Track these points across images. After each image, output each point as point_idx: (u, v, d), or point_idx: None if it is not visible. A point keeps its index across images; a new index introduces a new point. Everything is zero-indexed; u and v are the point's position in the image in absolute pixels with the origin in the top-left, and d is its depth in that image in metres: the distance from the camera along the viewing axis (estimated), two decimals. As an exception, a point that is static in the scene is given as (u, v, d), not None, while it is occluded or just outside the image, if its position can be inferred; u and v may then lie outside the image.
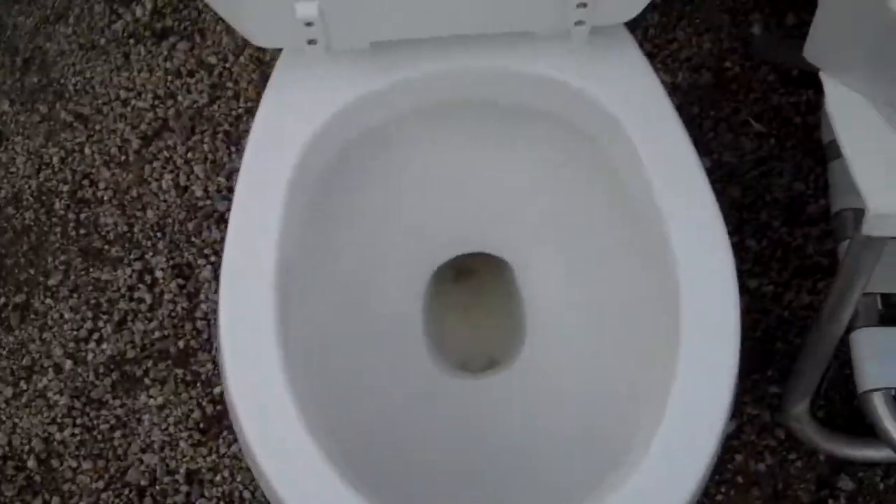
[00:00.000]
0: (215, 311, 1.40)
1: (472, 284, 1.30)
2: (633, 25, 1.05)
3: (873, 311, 1.14)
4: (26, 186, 1.51)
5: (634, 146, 0.99)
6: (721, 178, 1.44)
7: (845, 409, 1.31)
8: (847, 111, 0.97)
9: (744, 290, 1.36)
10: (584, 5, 0.97)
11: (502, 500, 1.07)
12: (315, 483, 0.87)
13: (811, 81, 1.41)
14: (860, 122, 0.97)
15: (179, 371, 1.38)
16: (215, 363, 1.37)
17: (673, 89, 1.49)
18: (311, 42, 0.99)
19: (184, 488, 1.30)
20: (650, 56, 1.47)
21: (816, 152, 1.45)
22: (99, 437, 1.34)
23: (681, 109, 1.46)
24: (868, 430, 1.29)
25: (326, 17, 0.97)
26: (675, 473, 0.87)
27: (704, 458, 0.88)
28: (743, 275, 1.38)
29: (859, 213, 0.95)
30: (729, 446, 1.30)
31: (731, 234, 1.39)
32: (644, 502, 0.86)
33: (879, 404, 1.10)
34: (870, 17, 0.90)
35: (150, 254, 1.46)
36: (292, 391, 0.90)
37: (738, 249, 1.40)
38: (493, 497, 1.08)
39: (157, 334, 1.40)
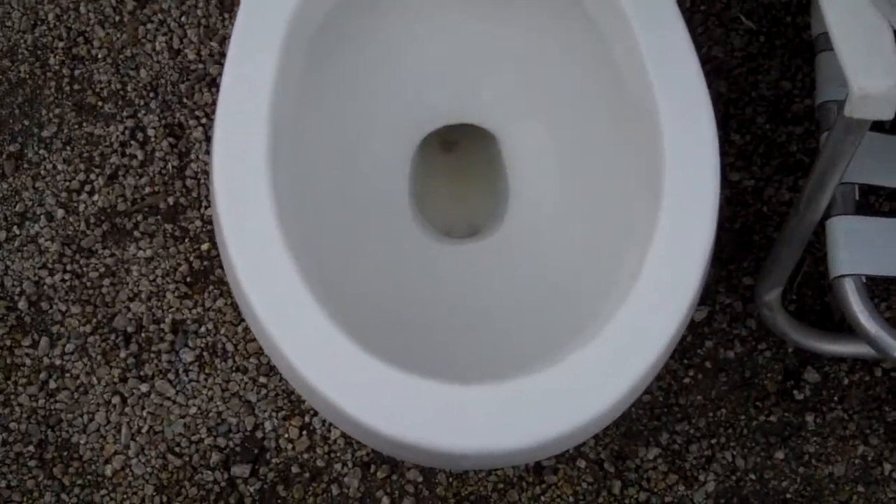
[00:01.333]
0: (206, 171, 1.43)
1: (459, 155, 1.32)
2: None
3: (850, 200, 1.16)
4: (21, 41, 1.51)
5: (631, 27, 1.00)
6: (709, 72, 1.45)
7: (816, 306, 1.34)
8: (837, -5, 0.99)
9: (725, 182, 1.40)
10: None
11: (479, 356, 1.10)
12: (304, 322, 0.89)
13: (804, -20, 1.44)
14: (849, 5, 0.97)
15: (168, 226, 1.40)
16: (204, 220, 1.40)
17: (668, -20, 1.50)
18: None
19: (168, 337, 1.34)
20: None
21: (805, 52, 1.47)
22: (88, 283, 1.37)
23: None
24: (836, 327, 1.33)
25: None
26: (645, 332, 0.89)
27: (675, 322, 0.89)
28: (725, 168, 1.41)
29: (842, 105, 0.96)
30: (700, 332, 1.33)
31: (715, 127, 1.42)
32: (614, 356, 0.88)
33: (850, 289, 1.11)
34: None
35: (143, 112, 1.47)
36: (284, 238, 0.92)
37: (722, 143, 1.42)
38: (470, 352, 1.10)
39: (147, 190, 1.42)
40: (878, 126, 1.01)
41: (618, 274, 0.98)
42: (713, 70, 1.46)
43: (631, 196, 1.05)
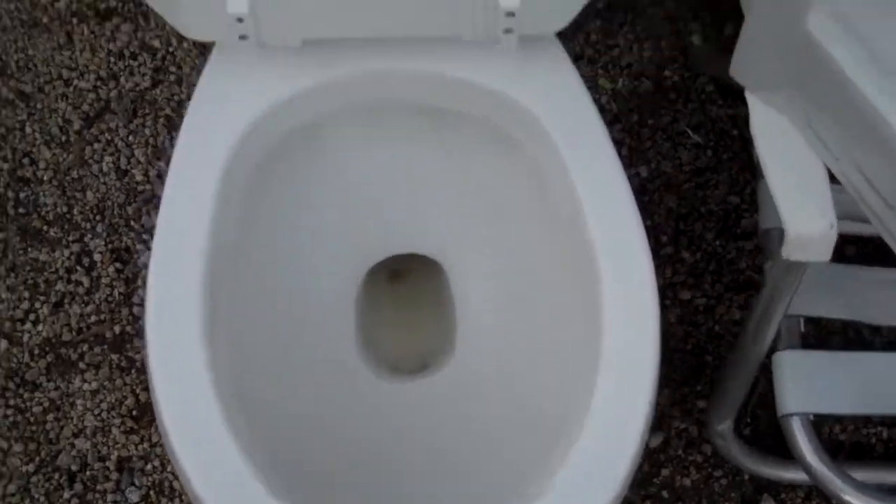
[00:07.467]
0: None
1: (406, 285, 1.30)
2: (574, 30, 1.05)
3: (796, 334, 1.15)
4: (-34, 162, 1.51)
5: (561, 155, 1.00)
6: (658, 187, 1.45)
7: (771, 428, 1.32)
8: (770, 132, 0.98)
9: (676, 301, 1.39)
10: (513, 14, 0.98)
11: (429, 501, 1.08)
12: (237, 487, 0.86)
13: (751, 95, 1.44)
14: (783, 144, 0.96)
15: (115, 356, 1.38)
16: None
17: (613, 96, 1.50)
18: (243, 37, 1.00)
19: (114, 475, 1.30)
20: (591, 61, 1.49)
21: (752, 166, 1.46)
22: (31, 419, 1.34)
23: (620, 116, 1.49)
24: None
25: (258, 13, 0.98)
26: (594, 481, 0.87)
27: (622, 471, 0.88)
28: (676, 286, 1.40)
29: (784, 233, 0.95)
30: (655, 460, 1.31)
31: (666, 244, 1.41)
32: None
33: (797, 428, 1.10)
34: (790, 38, 0.90)
35: (89, 236, 1.45)
36: (217, 388, 0.90)
37: (673, 261, 1.41)
38: (420, 497, 1.08)
39: (93, 318, 1.40)
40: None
41: (569, 409, 0.96)
42: (663, 185, 1.45)
43: (576, 326, 1.03)
